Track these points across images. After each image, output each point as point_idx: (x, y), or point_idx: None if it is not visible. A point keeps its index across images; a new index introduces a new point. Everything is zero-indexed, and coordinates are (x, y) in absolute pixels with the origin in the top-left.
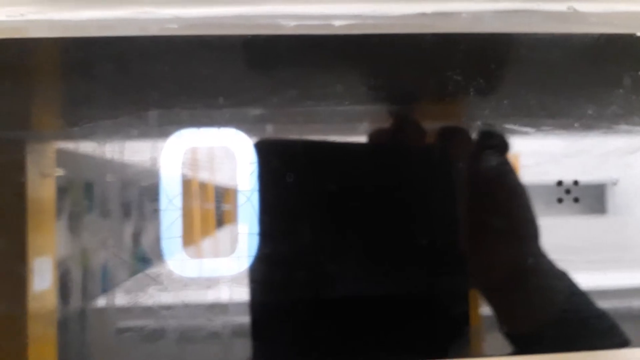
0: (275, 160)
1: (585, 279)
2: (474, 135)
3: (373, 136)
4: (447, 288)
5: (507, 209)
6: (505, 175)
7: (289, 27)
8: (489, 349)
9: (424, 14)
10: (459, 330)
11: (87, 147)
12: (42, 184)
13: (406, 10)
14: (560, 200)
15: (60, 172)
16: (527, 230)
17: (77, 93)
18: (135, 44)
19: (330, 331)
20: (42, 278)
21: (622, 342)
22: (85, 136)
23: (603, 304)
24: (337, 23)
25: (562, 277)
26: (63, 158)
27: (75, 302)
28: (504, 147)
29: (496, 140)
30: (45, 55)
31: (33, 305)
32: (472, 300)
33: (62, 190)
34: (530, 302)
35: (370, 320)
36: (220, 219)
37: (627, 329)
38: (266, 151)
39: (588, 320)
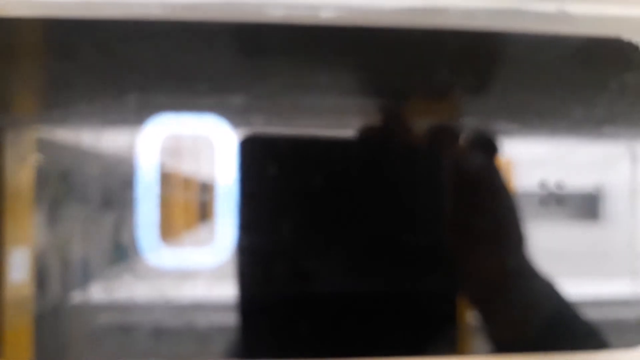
0: (258, 155)
1: (565, 286)
2: (462, 135)
3: (357, 131)
4: (430, 286)
5: (492, 211)
6: (492, 176)
7: (276, 16)
8: (472, 348)
9: (413, 9)
10: (441, 328)
11: (63, 132)
12: (16, 169)
13: (395, 5)
14: (543, 202)
15: (34, 157)
16: (512, 234)
17: (55, 74)
18: (118, 27)
19: (310, 326)
20: (18, 268)
21: (601, 344)
22: (61, 120)
23: (584, 311)
24: (324, 14)
25: (547, 283)
26: (38, 143)
27: (51, 292)
28: (492, 148)
29: (484, 141)
30: (24, 35)
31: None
32: (457, 299)
33: (37, 177)
34: (514, 308)
35: (351, 317)
36: (199, 209)
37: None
38: (250, 146)
39: (569, 323)
